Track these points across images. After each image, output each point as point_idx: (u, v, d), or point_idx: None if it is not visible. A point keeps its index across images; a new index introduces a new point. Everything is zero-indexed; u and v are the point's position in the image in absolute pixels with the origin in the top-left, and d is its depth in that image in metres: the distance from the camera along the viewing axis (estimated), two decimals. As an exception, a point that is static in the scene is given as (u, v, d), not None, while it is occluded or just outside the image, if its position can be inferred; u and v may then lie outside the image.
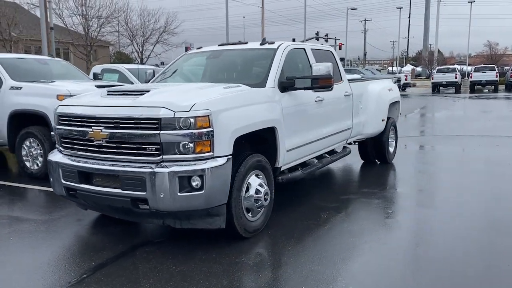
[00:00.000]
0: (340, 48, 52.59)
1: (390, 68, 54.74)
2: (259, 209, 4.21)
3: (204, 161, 3.64)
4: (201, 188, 3.60)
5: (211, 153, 3.67)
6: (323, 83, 4.74)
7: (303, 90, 4.83)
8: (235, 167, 3.94)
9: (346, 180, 6.74)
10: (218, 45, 5.70)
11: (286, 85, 4.73)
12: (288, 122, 4.67)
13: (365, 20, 59.87)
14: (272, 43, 5.25)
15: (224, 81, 4.89)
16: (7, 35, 29.74)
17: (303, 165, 5.37)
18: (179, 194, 3.56)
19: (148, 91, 4.01)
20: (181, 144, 3.58)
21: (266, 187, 4.23)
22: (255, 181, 4.16)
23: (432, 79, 31.84)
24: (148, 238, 4.28)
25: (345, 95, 6.14)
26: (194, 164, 3.60)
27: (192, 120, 3.57)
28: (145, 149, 3.66)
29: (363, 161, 7.73)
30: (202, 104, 3.65)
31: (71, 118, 4.07)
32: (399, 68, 56.15)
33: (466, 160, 8.17)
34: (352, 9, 47.21)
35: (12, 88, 6.93)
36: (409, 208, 5.18)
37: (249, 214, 4.14)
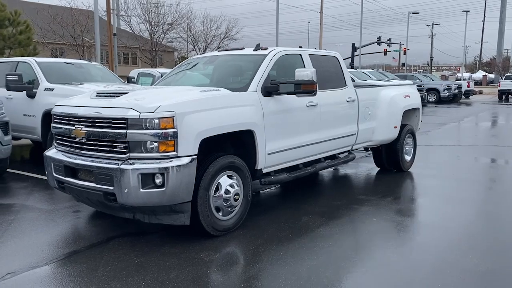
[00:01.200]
0: (404, 53, 51.04)
1: (458, 75, 52.11)
2: (229, 209, 4.35)
3: (168, 160, 3.85)
4: (162, 186, 3.82)
5: (175, 153, 3.88)
6: (305, 88, 4.80)
7: (291, 94, 4.91)
8: (203, 167, 4.13)
9: (349, 186, 6.66)
10: (218, 51, 5.92)
11: (270, 90, 4.83)
12: (270, 126, 4.78)
13: (432, 24, 57.44)
14: (265, 49, 5.38)
15: (214, 85, 5.09)
16: (80, 41, 31.98)
17: (295, 168, 5.43)
18: (141, 190, 3.81)
19: (126, 93, 4.31)
20: (146, 143, 3.83)
21: (236, 188, 4.37)
22: (226, 182, 4.32)
23: (499, 86, 29.94)
24: (128, 231, 4.56)
25: (347, 101, 6.11)
26: (158, 163, 3.83)
27: (156, 121, 3.81)
28: (115, 147, 3.95)
29: (379, 168, 7.59)
30: (167, 106, 3.88)
31: (61, 117, 4.47)
32: (469, 74, 53.34)
33: (484, 171, 7.75)
34: (414, 13, 45.44)
35: (46, 89, 7.61)
36: (394, 216, 5.06)
37: (220, 213, 4.30)
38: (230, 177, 4.40)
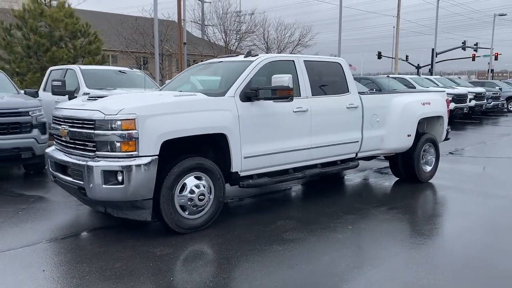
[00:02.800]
0: (496, 59, 47.50)
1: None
2: (195, 208, 4.55)
3: (129, 159, 4.16)
4: (122, 183, 4.13)
5: (136, 153, 4.18)
6: (281, 94, 4.86)
7: (268, 100, 5.01)
8: (169, 167, 4.39)
9: (354, 193, 6.52)
10: (218, 57, 6.16)
11: (249, 95, 4.96)
12: (247, 130, 4.91)
13: (529, 27, 52.52)
14: (255, 55, 5.52)
15: (206, 89, 5.36)
16: (160, 50, 33.97)
17: (285, 173, 5.49)
18: (103, 186, 4.16)
19: (106, 96, 4.71)
20: (110, 143, 4.18)
21: (202, 189, 4.56)
22: (192, 182, 4.53)
23: None
24: (111, 224, 4.91)
25: (348, 107, 6.03)
26: (119, 161, 4.16)
27: (119, 122, 4.14)
28: (87, 145, 4.36)
29: (398, 178, 7.32)
30: (129, 109, 4.19)
31: (56, 119, 4.98)
32: None
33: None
34: (500, 15, 42.04)
35: (84, 94, 8.38)
36: (374, 226, 4.90)
37: (186, 212, 4.52)
38: (198, 178, 4.60)
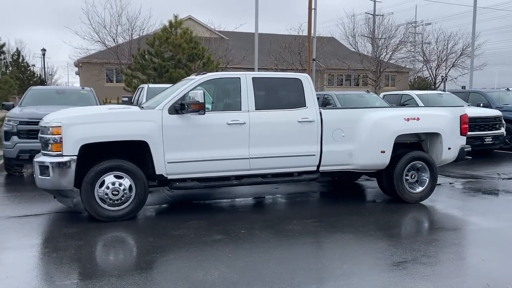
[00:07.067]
0: None
1: None
2: (111, 201, 5.49)
3: (56, 157, 5.37)
4: (48, 175, 5.36)
5: (60, 152, 5.36)
6: (194, 108, 5.51)
7: (189, 113, 5.64)
8: (89, 166, 5.46)
9: (317, 205, 6.50)
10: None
11: (177, 109, 5.70)
12: (171, 139, 5.65)
13: None
14: (204, 74, 6.18)
15: (156, 104, 6.27)
16: (306, 66, 35.32)
17: (227, 179, 6.00)
18: (39, 176, 5.45)
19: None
20: (47, 144, 5.46)
21: (117, 186, 5.48)
22: (110, 180, 5.49)
23: None
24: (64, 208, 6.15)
25: (300, 121, 6.17)
26: (48, 158, 5.40)
27: (51, 128, 5.39)
28: (41, 145, 5.73)
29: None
30: (58, 119, 5.43)
31: (47, 126, 6.52)
32: None
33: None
34: None
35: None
36: (268, 234, 5.06)
37: (105, 204, 5.49)
38: (120, 177, 5.53)
